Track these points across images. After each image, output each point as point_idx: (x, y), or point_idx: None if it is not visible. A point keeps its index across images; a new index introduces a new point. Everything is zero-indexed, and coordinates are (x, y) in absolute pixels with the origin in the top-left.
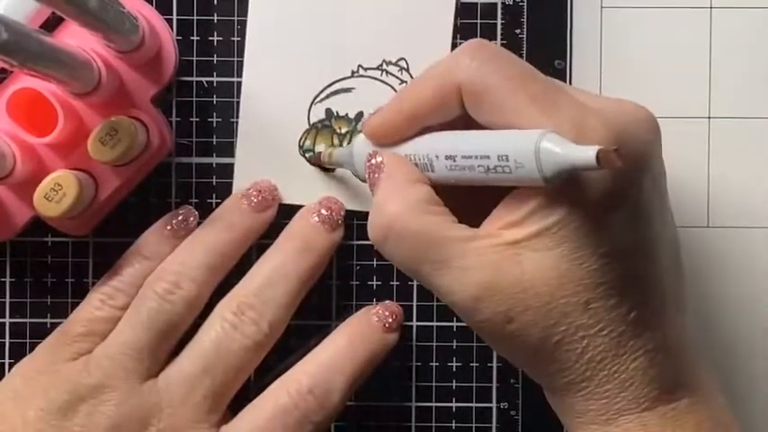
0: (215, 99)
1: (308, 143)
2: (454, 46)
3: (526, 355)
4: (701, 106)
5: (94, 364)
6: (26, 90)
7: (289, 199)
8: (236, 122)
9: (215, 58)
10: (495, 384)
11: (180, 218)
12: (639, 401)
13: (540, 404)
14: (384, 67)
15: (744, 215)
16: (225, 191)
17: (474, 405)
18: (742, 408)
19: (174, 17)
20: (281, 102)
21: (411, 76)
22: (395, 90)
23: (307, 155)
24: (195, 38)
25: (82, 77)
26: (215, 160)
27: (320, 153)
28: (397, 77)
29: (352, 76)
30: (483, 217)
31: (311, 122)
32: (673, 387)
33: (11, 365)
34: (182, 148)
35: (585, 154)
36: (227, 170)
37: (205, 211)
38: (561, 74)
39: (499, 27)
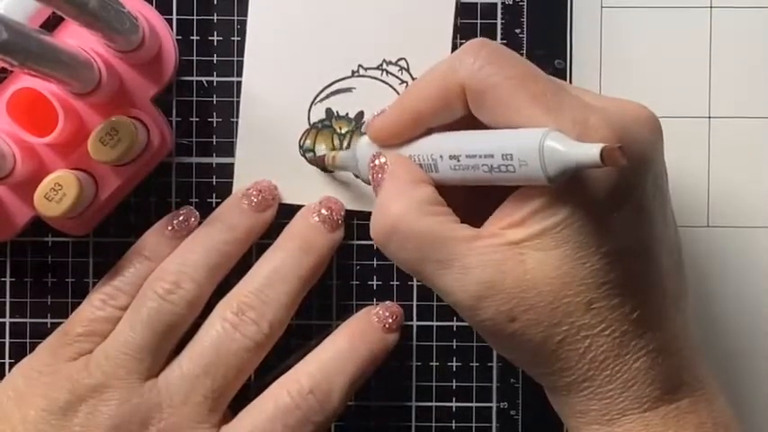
0: (215, 99)
1: (308, 143)
2: (454, 46)
3: (528, 355)
4: (701, 106)
5: (95, 363)
6: (26, 90)
7: (289, 199)
8: (236, 122)
9: (215, 58)
10: (495, 384)
11: (181, 218)
12: (642, 401)
13: (541, 404)
14: (384, 66)
15: (744, 215)
16: (225, 191)
17: (474, 405)
18: (743, 408)
19: (174, 17)
20: (281, 102)
21: (411, 76)
22: (395, 90)
23: (307, 155)
24: (195, 38)
25: (82, 77)
26: (215, 160)
27: (323, 157)
28: (397, 77)
29: (352, 75)
30: (486, 217)
31: (311, 122)
32: (674, 387)
33: (11, 365)
34: (182, 148)
35: (590, 152)
36: (227, 170)
37: (205, 211)
38: (561, 74)
39: (499, 27)
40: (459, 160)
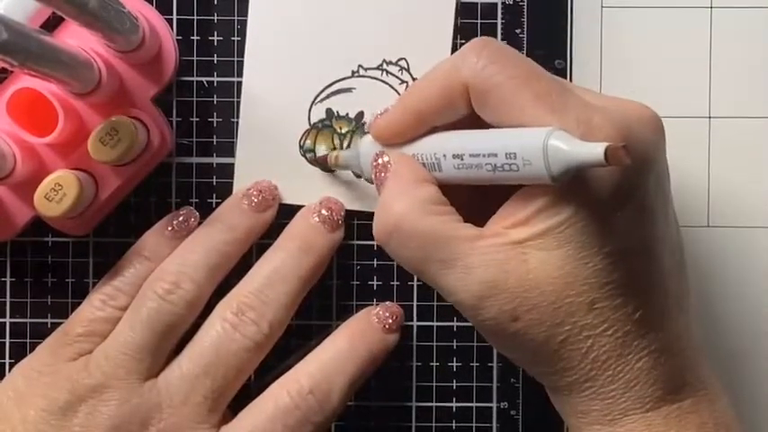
0: (215, 99)
1: (308, 143)
2: (454, 46)
3: (530, 354)
4: (701, 106)
5: (95, 364)
6: (26, 90)
7: (289, 199)
8: (236, 122)
9: (215, 58)
10: (495, 384)
11: (181, 219)
12: (644, 401)
13: (541, 404)
14: (384, 67)
15: (744, 215)
16: (225, 191)
17: (474, 405)
18: (744, 408)
19: (174, 17)
20: (281, 102)
21: (411, 76)
22: (395, 90)
23: (307, 155)
24: (195, 38)
25: (82, 77)
26: (215, 160)
27: (326, 156)
28: (397, 77)
29: (352, 76)
30: (488, 216)
31: (312, 122)
32: (677, 387)
33: (11, 365)
34: (182, 148)
35: (594, 151)
36: (227, 170)
37: (205, 211)
38: (561, 74)
39: (499, 27)
40: (462, 159)
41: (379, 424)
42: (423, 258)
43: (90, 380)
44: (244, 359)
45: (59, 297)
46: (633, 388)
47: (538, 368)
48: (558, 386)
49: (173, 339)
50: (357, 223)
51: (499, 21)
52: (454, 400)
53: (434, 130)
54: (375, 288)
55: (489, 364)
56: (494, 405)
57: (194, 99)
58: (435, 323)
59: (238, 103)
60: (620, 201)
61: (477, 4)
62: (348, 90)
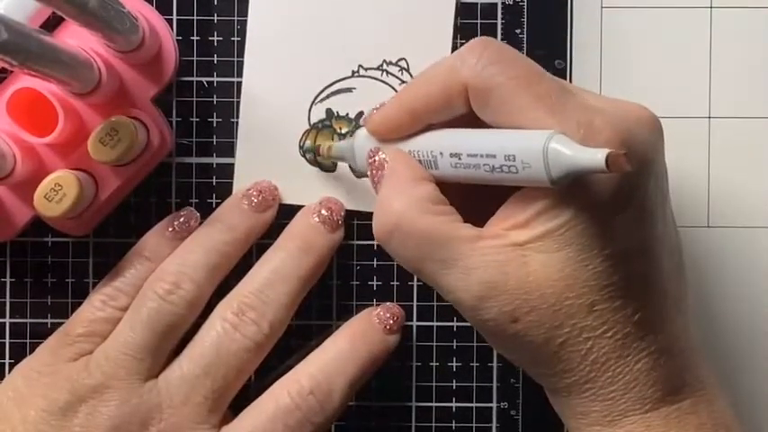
0: (215, 99)
1: (308, 143)
2: (454, 46)
3: (529, 356)
4: (701, 106)
5: (95, 364)
6: (26, 90)
7: (289, 199)
8: (236, 122)
9: (215, 58)
10: (495, 384)
11: (181, 219)
12: (643, 403)
13: (541, 404)
14: (384, 67)
15: (744, 215)
16: (225, 191)
17: (474, 405)
18: (744, 408)
19: (174, 17)
20: (281, 102)
21: (411, 77)
22: (395, 90)
23: (307, 155)
24: (195, 38)
25: (82, 77)
26: (215, 160)
27: (319, 146)
28: (397, 77)
29: (352, 76)
30: (484, 214)
31: (312, 123)
32: (676, 388)
33: (11, 365)
34: (182, 148)
35: (595, 157)
36: (227, 170)
37: (205, 212)
38: (561, 74)
39: (499, 27)
40: (460, 158)
41: (379, 424)
42: (422, 258)
43: (90, 380)
44: (244, 359)
45: (59, 297)
46: (633, 389)
47: (537, 369)
48: (557, 388)
49: (173, 339)
50: (357, 223)
51: (499, 21)
52: (454, 400)
53: (430, 127)
54: (375, 288)
55: (489, 364)
56: (494, 405)
57: (194, 99)
58: (435, 323)
59: (238, 103)
60: (620, 203)
61: (477, 4)
62: (348, 90)
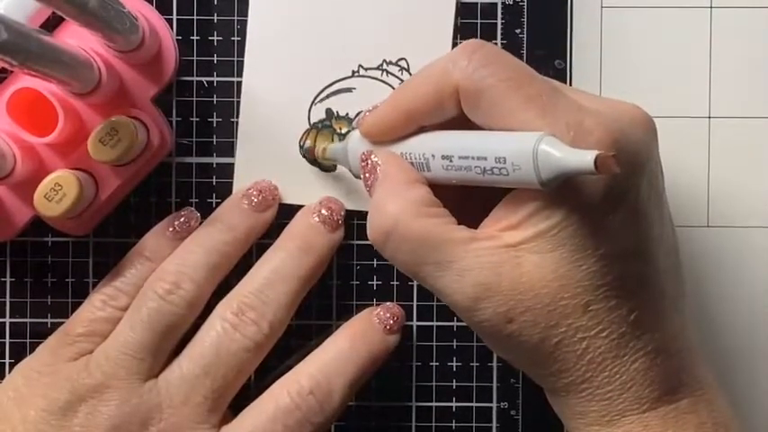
0: (215, 99)
1: (308, 143)
2: (454, 46)
3: (526, 356)
4: (701, 106)
5: (95, 364)
6: (26, 90)
7: (289, 199)
8: (236, 122)
9: (215, 58)
10: (495, 384)
11: (182, 219)
12: (641, 402)
13: (541, 404)
14: (384, 67)
15: (743, 215)
16: (225, 191)
17: (474, 405)
18: (742, 407)
19: (174, 17)
20: (281, 102)
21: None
22: None
23: (307, 155)
24: (195, 38)
25: (82, 77)
26: (215, 160)
27: (313, 148)
28: (397, 77)
29: (352, 76)
30: (477, 214)
31: (311, 122)
32: (674, 387)
33: (11, 365)
34: (182, 148)
35: (584, 159)
36: (227, 170)
37: (205, 211)
38: (561, 74)
39: (499, 27)
40: (451, 161)
41: (379, 424)
42: (417, 260)
43: (90, 380)
44: (244, 359)
45: (59, 297)
46: (630, 389)
47: (534, 370)
48: (555, 388)
49: (173, 339)
50: (357, 223)
51: (499, 21)
52: (454, 399)
53: (422, 129)
54: (375, 288)
55: (489, 364)
56: (494, 405)
57: (194, 99)
58: (435, 323)
59: (238, 103)
60: (611, 204)
61: (477, 4)
62: (348, 90)
